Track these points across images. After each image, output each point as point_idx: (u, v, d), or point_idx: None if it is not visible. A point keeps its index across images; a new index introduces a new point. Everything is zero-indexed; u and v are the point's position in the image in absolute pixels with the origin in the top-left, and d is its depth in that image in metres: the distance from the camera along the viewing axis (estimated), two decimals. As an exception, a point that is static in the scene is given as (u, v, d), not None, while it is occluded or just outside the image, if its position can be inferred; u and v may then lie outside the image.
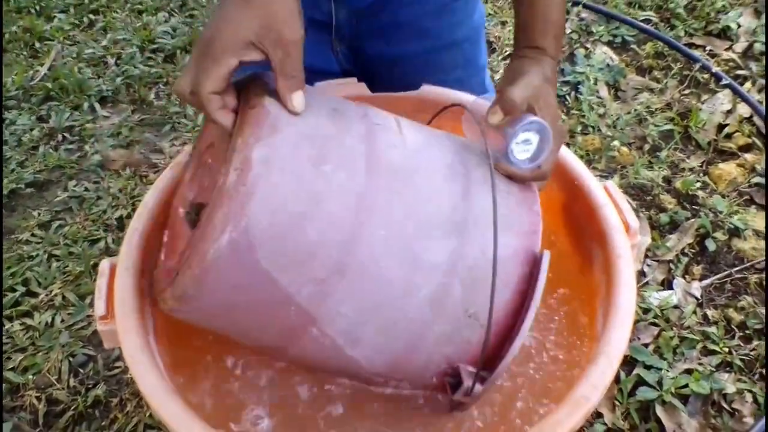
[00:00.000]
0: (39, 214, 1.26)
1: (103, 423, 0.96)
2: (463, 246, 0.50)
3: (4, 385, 0.99)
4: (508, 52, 1.59)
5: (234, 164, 0.43)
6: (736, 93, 1.43)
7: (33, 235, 1.22)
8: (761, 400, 0.95)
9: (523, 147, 0.53)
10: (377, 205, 0.47)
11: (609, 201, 0.66)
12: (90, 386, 1.00)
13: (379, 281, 0.47)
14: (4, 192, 1.28)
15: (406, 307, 0.49)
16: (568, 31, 1.62)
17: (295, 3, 0.48)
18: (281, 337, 0.50)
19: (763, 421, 0.91)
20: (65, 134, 1.43)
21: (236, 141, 0.44)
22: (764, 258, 1.12)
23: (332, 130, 0.48)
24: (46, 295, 1.11)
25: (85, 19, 1.78)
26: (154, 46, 1.66)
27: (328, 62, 0.78)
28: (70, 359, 1.02)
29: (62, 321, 1.07)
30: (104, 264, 0.54)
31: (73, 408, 0.97)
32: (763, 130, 1.34)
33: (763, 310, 1.05)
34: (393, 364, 0.52)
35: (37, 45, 1.70)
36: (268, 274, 0.44)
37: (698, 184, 1.26)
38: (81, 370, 1.02)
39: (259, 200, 0.42)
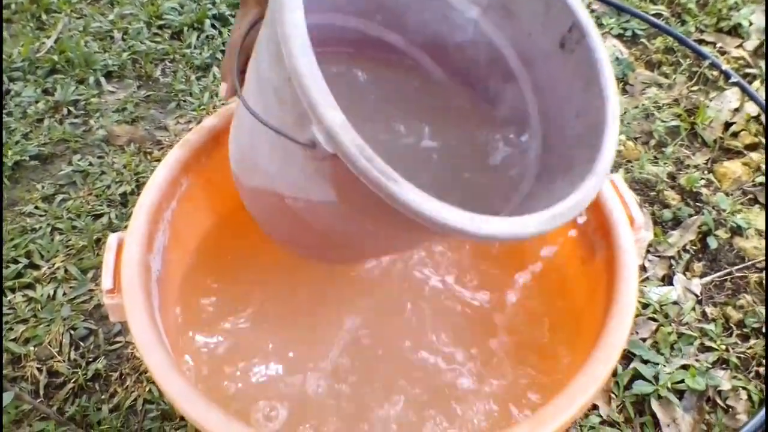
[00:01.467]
0: (43, 187, 1.26)
1: (103, 396, 0.96)
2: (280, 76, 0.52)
3: (5, 354, 1.00)
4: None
5: None
6: (744, 91, 1.42)
7: (36, 207, 1.22)
8: (755, 397, 0.96)
9: None
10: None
11: (615, 194, 0.67)
12: (90, 360, 1.00)
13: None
14: (9, 163, 1.28)
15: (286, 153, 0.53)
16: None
17: (257, 14, 0.60)
18: (286, 220, 0.62)
19: (761, 414, 0.92)
20: (70, 108, 1.43)
21: None
22: (765, 257, 1.13)
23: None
24: (49, 268, 1.12)
25: (93, -7, 1.76)
26: (161, 22, 1.65)
27: None
28: (71, 332, 1.03)
29: (64, 294, 1.08)
30: (112, 238, 0.55)
31: (73, 380, 0.98)
32: (770, 130, 1.34)
33: (763, 309, 1.06)
34: None
35: (44, 17, 1.68)
36: (245, 185, 0.63)
37: (702, 182, 1.26)
38: (82, 344, 1.02)
39: (230, 146, 0.65)
